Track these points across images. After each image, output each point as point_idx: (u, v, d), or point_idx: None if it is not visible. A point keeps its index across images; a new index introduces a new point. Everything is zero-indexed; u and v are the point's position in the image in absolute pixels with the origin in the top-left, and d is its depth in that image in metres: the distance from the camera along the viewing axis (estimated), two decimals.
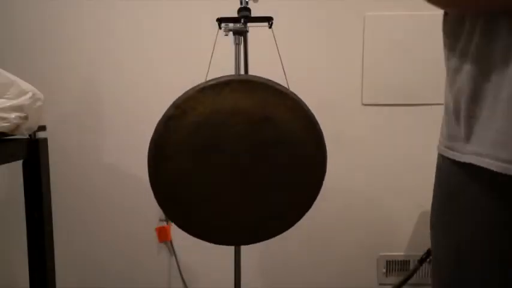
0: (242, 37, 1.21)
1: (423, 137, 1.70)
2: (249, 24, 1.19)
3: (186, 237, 1.12)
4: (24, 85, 1.07)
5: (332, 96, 1.74)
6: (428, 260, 1.68)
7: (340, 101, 1.74)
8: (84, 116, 1.75)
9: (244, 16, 1.19)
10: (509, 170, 0.47)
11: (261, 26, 1.20)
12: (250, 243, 1.16)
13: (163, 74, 1.73)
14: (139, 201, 1.77)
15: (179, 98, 1.01)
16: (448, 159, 0.57)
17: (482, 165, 0.50)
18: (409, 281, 1.75)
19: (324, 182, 1.08)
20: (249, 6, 1.21)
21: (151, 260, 1.81)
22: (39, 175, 1.15)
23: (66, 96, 1.74)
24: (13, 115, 1.02)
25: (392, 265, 1.82)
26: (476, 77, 0.51)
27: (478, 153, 0.51)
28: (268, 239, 1.13)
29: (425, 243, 1.68)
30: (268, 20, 1.21)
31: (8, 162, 1.10)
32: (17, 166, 1.15)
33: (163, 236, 1.77)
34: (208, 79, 1.03)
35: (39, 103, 1.09)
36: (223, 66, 1.19)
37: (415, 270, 1.75)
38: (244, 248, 1.30)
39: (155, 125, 1.01)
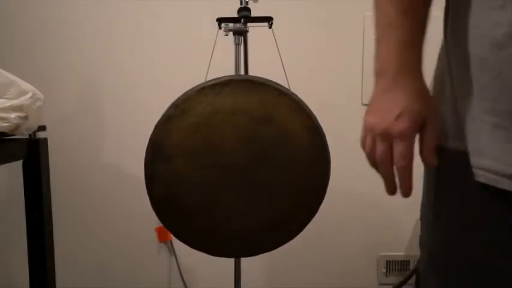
0: (242, 37, 1.21)
1: None
2: (249, 24, 1.19)
3: None
4: (24, 85, 1.07)
5: (332, 96, 1.74)
6: None
7: (340, 101, 1.74)
8: (84, 116, 1.75)
9: (244, 16, 1.18)
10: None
11: (261, 26, 1.20)
12: (251, 255, 1.15)
13: (163, 74, 1.73)
14: (140, 201, 1.76)
15: (179, 98, 1.01)
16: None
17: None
18: (409, 281, 1.75)
19: None
20: (249, 6, 1.21)
21: (151, 260, 1.81)
22: (39, 175, 1.15)
23: (66, 96, 1.74)
24: (13, 115, 1.02)
25: (392, 265, 1.82)
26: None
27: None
28: (269, 250, 1.12)
29: None
30: (268, 20, 1.21)
31: (8, 162, 1.10)
32: (17, 166, 1.15)
33: (163, 236, 1.77)
34: (208, 79, 1.03)
35: (39, 103, 1.09)
36: (223, 66, 1.19)
37: (415, 270, 1.74)
38: None
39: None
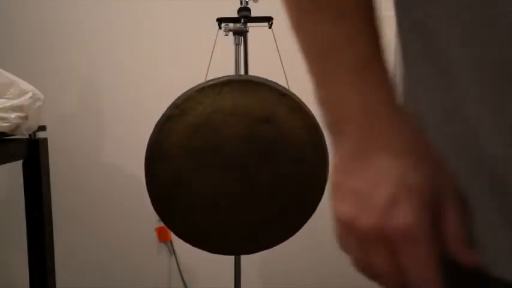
0: (242, 37, 1.21)
1: None
2: (249, 24, 1.19)
3: None
4: (24, 85, 1.07)
5: None
6: None
7: None
8: (84, 116, 1.75)
9: (244, 16, 1.18)
10: None
11: (261, 26, 1.20)
12: (251, 253, 1.16)
13: (163, 74, 1.73)
14: (139, 201, 1.76)
15: (179, 98, 1.01)
16: None
17: None
18: None
19: None
20: (249, 6, 1.21)
21: (151, 260, 1.81)
22: (39, 175, 1.15)
23: (66, 96, 1.74)
24: (13, 115, 1.02)
25: None
26: None
27: None
28: (268, 247, 1.13)
29: None
30: (268, 20, 1.21)
31: (8, 162, 1.10)
32: (17, 166, 1.16)
33: (163, 236, 1.77)
34: (208, 79, 1.03)
35: (39, 103, 1.10)
36: (223, 66, 1.19)
37: None
38: None
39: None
